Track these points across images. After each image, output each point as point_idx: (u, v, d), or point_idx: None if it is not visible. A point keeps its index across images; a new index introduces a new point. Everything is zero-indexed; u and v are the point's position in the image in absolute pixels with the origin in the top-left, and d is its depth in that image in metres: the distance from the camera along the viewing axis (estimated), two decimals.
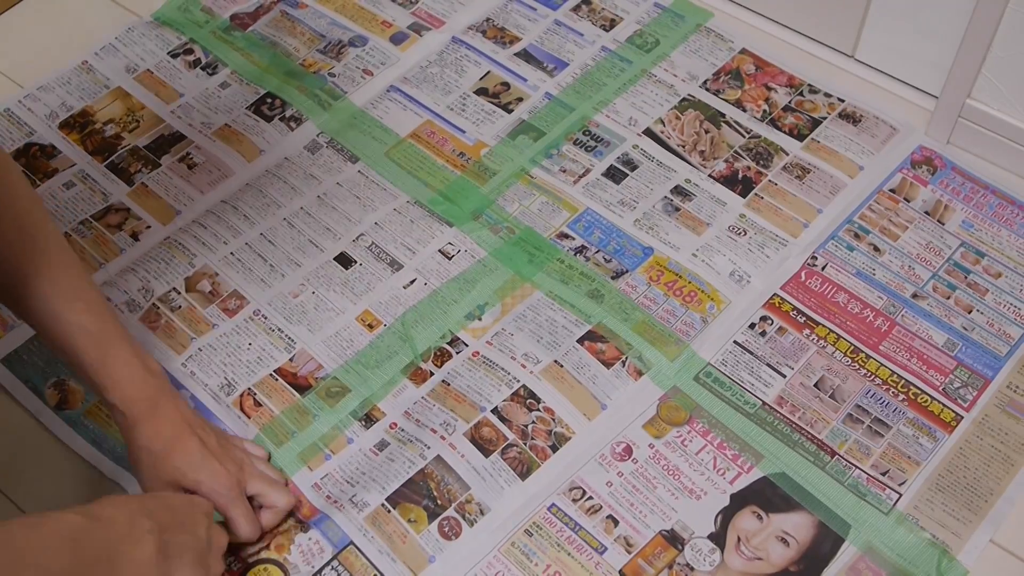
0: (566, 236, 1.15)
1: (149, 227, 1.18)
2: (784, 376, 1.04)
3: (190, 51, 1.36)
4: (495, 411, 1.02)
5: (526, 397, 1.02)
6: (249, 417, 1.03)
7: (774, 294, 1.10)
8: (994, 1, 1.06)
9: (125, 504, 0.77)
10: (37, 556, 0.67)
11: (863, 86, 1.27)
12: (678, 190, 1.18)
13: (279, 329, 1.09)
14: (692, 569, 0.93)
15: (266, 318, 1.10)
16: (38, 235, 0.87)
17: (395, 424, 1.02)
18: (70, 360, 0.89)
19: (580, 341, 1.06)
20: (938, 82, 1.20)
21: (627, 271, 1.12)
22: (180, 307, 1.11)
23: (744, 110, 1.25)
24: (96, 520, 0.73)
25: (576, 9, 1.37)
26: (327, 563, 0.93)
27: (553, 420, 1.01)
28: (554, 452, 0.99)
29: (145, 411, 0.89)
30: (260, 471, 0.95)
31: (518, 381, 1.04)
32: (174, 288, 1.12)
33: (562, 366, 1.04)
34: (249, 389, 1.05)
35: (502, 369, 1.04)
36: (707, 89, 1.27)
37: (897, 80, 1.26)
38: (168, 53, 1.35)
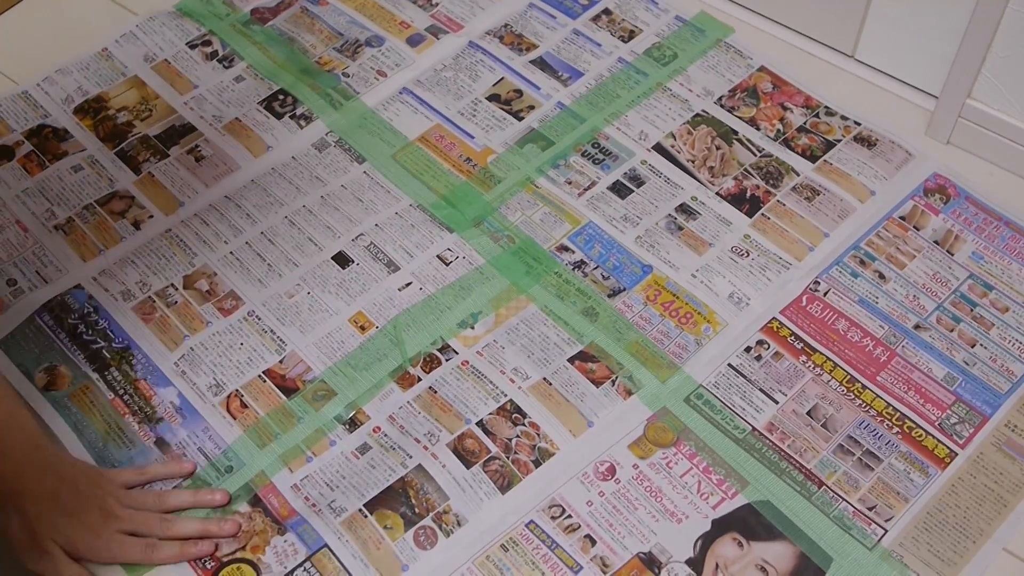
0: (566, 249, 1.14)
1: (152, 216, 1.18)
2: (776, 402, 1.02)
3: (208, 43, 1.36)
4: (480, 424, 1.01)
5: (512, 411, 1.02)
6: (235, 418, 1.03)
7: (772, 318, 1.08)
8: (994, 1, 1.06)
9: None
10: None
11: (863, 86, 1.26)
12: (683, 208, 1.17)
13: (271, 331, 1.09)
14: None
15: (259, 319, 1.10)
16: None
17: (379, 428, 1.01)
18: None
19: (571, 360, 1.05)
20: (938, 82, 1.19)
21: (624, 289, 1.10)
22: (176, 303, 1.11)
23: (758, 128, 1.23)
24: None
25: (596, 19, 1.35)
26: (299, 564, 0.93)
27: (538, 435, 1.00)
28: (536, 467, 0.98)
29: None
30: (131, 499, 0.94)
31: (505, 395, 1.03)
32: (172, 284, 1.13)
33: (550, 384, 1.03)
34: (237, 390, 1.05)
35: (490, 382, 1.04)
36: (722, 106, 1.25)
37: (897, 80, 1.25)
38: (187, 44, 1.36)
